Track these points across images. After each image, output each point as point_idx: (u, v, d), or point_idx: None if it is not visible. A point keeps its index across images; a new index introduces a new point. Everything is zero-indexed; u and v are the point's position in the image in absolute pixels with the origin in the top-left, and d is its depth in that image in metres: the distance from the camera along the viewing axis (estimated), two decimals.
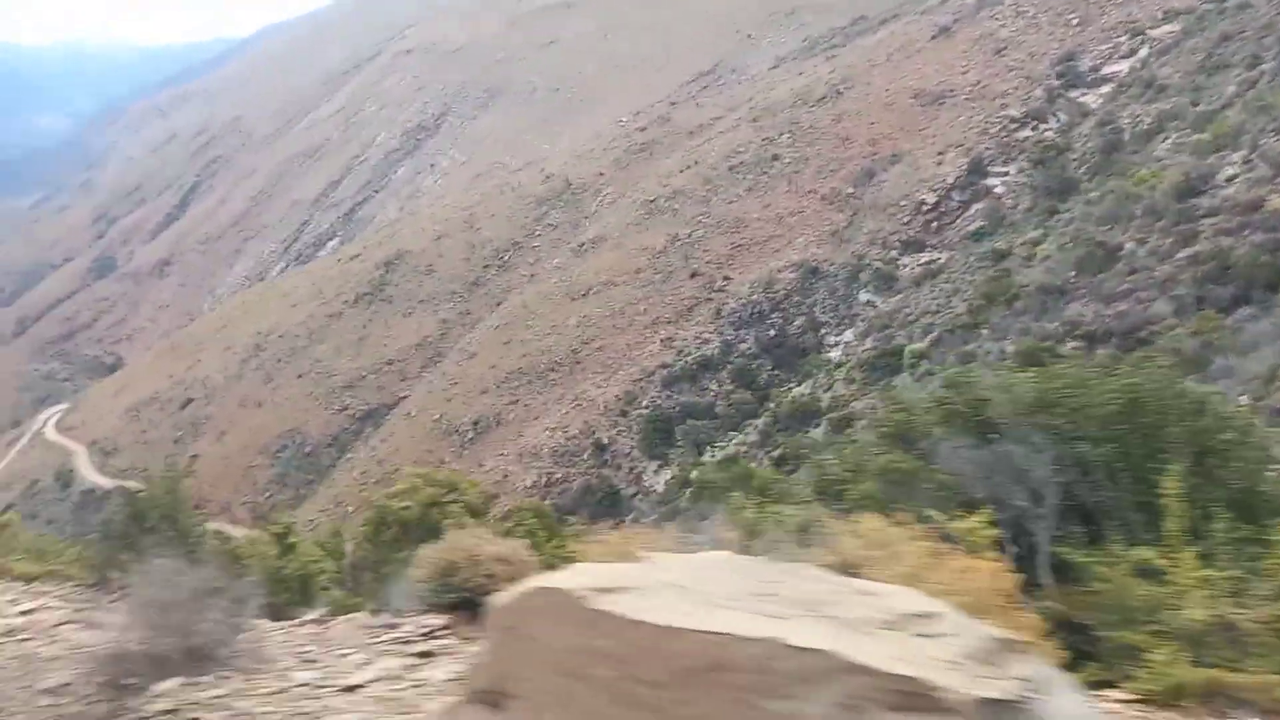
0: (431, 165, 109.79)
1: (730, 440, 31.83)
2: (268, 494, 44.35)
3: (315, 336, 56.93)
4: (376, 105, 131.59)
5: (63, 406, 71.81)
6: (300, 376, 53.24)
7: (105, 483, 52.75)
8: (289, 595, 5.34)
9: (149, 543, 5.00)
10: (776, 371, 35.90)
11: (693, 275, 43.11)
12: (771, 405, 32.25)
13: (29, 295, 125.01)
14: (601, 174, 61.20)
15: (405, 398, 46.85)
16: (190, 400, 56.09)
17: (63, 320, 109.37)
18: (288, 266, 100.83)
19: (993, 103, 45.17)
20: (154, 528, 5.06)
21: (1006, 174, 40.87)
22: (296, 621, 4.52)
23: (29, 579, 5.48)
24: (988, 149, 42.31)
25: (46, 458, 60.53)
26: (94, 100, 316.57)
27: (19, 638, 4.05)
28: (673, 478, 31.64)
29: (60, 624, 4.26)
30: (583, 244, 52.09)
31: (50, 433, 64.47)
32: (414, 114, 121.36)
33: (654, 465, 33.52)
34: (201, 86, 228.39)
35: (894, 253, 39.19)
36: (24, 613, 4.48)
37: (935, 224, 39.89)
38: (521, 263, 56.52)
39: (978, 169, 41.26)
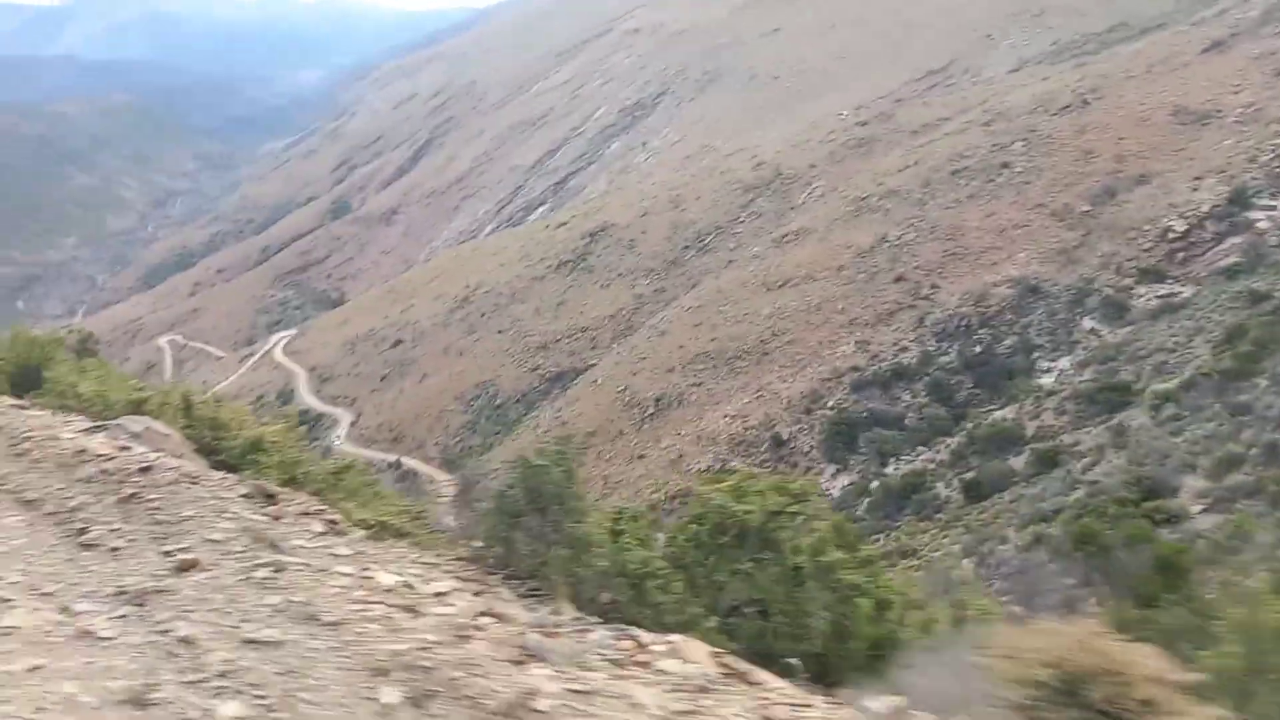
0: (644, 143, 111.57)
1: (918, 455, 30.40)
2: (458, 439, 46.96)
3: (517, 296, 59.52)
4: (600, 81, 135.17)
5: (291, 332, 79.10)
6: (500, 332, 55.90)
7: (319, 406, 57.75)
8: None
9: (537, 524, 4.44)
10: (977, 390, 33.90)
11: (898, 279, 41.39)
12: (968, 425, 30.49)
13: (275, 228, 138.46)
14: (813, 166, 59.95)
15: (593, 365, 48.11)
16: (400, 341, 60.20)
17: (300, 253, 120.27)
18: (498, 227, 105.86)
19: (1266, 128, 40.34)
20: (544, 508, 4.59)
21: (1274, 208, 36.43)
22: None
23: (368, 529, 4.93)
24: (1254, 178, 37.85)
25: (272, 376, 67.00)
26: (350, 58, 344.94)
27: (463, 635, 3.03)
28: (851, 484, 30.64)
29: (482, 615, 3.35)
30: (785, 235, 51.27)
31: (278, 354, 71.22)
32: (633, 92, 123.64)
33: (833, 469, 32.58)
34: (445, 50, 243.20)
35: (1129, 280, 35.90)
36: (437, 595, 3.49)
37: (1181, 255, 36.19)
38: (721, 247, 56.45)
39: (1240, 199, 36.98)
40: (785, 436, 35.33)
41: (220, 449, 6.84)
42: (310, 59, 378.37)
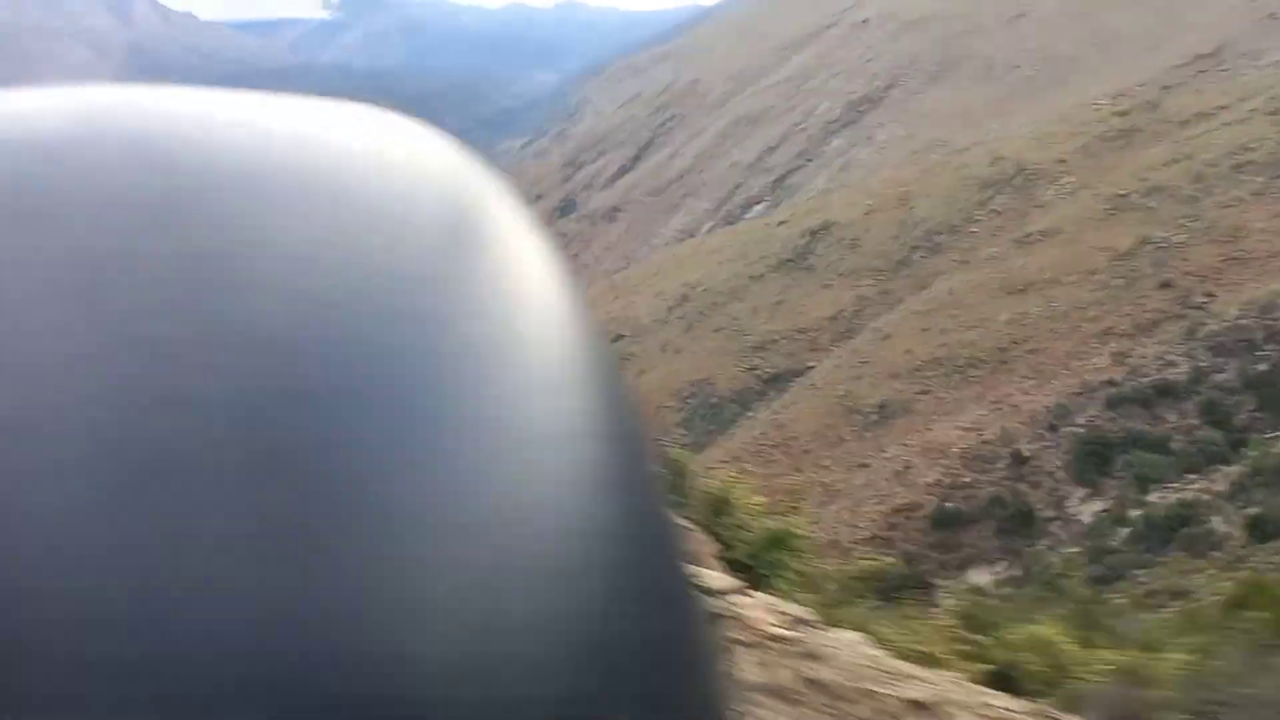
0: (869, 138, 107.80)
1: (1187, 483, 26.95)
2: (672, 436, 47.34)
3: (735, 295, 59.19)
4: (825, 75, 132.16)
5: None
6: (717, 331, 55.82)
7: None
8: None
9: None
10: (1260, 414, 29.62)
11: (1163, 285, 37.10)
12: (1251, 453, 26.66)
13: None
14: (1063, 161, 55.09)
15: (812, 368, 46.87)
16: (620, 336, 61.65)
17: None
18: (716, 225, 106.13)
19: None
20: None
21: None
22: None
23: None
24: None
25: None
26: (581, 59, 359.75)
27: None
28: (1104, 511, 27.69)
29: None
30: (1029, 235, 47.50)
31: None
32: (860, 85, 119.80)
33: (1082, 493, 29.62)
34: (671, 49, 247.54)
35: None
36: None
37: None
38: (954, 248, 53.24)
39: None
40: (1026, 454, 32.60)
41: (730, 542, 5.09)
42: (549, 61, 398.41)
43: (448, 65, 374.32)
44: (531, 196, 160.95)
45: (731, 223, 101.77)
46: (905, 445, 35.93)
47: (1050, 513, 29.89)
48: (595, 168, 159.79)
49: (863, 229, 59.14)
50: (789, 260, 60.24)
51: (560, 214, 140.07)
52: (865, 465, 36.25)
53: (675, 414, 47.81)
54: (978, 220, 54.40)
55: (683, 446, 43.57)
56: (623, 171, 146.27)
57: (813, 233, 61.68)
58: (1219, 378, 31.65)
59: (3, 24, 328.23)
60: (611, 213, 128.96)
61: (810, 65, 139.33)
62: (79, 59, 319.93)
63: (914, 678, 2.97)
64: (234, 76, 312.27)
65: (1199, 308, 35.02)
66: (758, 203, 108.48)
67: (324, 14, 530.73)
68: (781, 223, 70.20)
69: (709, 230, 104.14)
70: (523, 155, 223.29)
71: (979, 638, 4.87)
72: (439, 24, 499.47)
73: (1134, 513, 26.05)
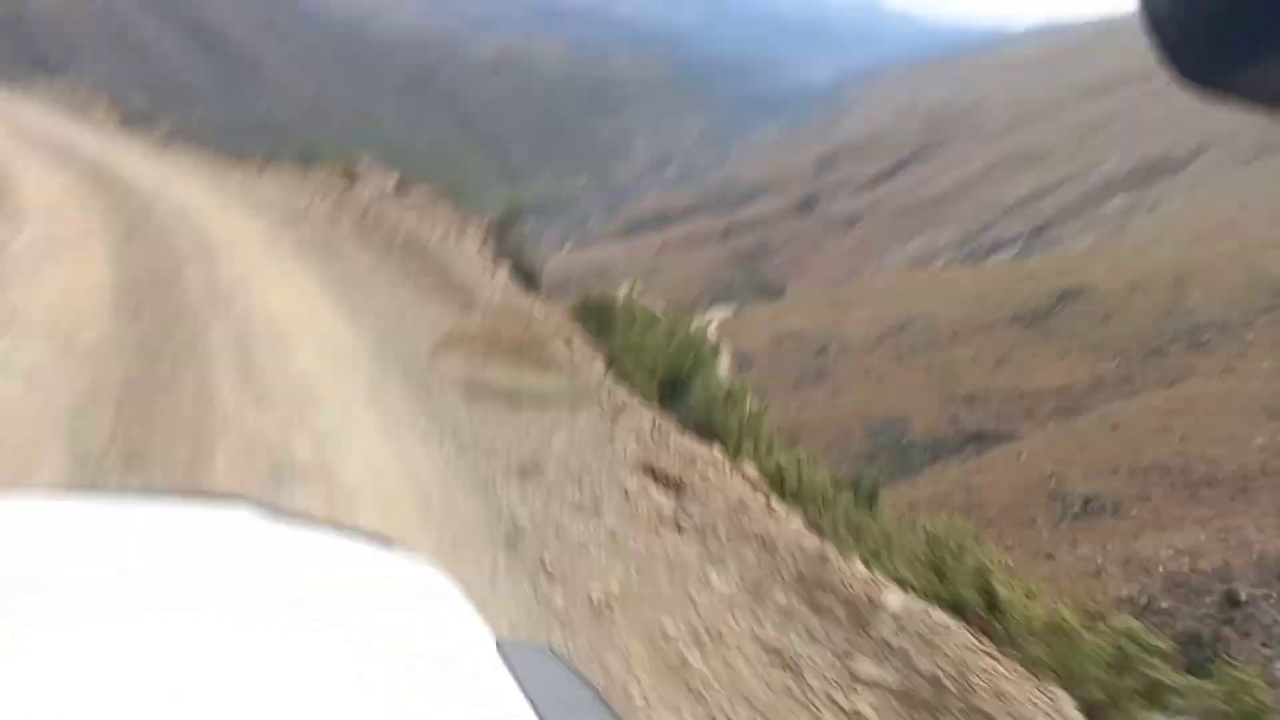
0: (1153, 207, 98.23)
1: None
2: (853, 466, 45.59)
3: (958, 339, 55.91)
4: (1121, 127, 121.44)
5: (728, 311, 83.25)
6: (927, 370, 53.01)
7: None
8: None
9: None
10: None
11: None
12: None
13: (744, 209, 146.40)
14: None
15: (1020, 437, 43.47)
16: (824, 349, 60.05)
17: (758, 240, 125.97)
18: (956, 260, 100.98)
19: None
20: None
21: None
22: None
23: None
24: None
25: None
26: (866, 57, 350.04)
27: None
28: None
29: None
30: None
31: (711, 328, 75.32)
32: (1160, 146, 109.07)
33: None
34: (958, 66, 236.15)
35: None
36: None
37: None
38: (1221, 350, 47.40)
39: None
40: (1243, 598, 28.59)
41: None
42: (832, 53, 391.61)
43: (736, 37, 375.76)
44: (775, 187, 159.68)
45: (974, 261, 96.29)
46: (1104, 549, 32.57)
47: (1256, 668, 26.07)
48: (847, 171, 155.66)
49: (1121, 303, 53.89)
50: (1028, 317, 56.06)
51: (798, 211, 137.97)
52: (1051, 557, 33.20)
53: (861, 444, 46.00)
54: (1258, 327, 48.01)
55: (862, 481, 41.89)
56: (875, 182, 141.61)
57: (1063, 294, 56.98)
58: None
59: None
60: (851, 220, 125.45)
61: (1108, 113, 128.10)
62: None
63: None
64: (539, 5, 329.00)
65: None
66: (1008, 247, 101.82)
67: None
68: (1030, 275, 65.41)
69: (946, 262, 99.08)
70: (778, 144, 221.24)
71: None
72: None
73: None
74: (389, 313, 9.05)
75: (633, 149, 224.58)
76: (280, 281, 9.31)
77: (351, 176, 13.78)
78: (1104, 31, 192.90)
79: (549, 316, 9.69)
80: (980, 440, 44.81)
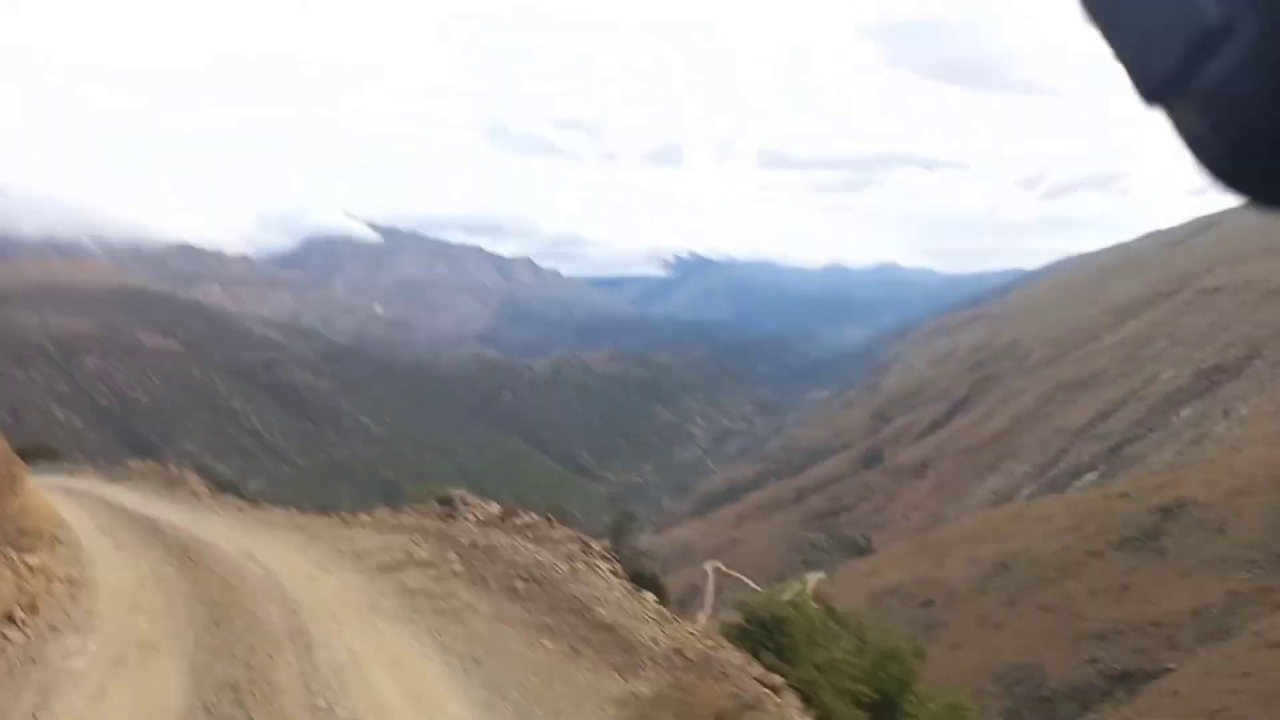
0: (1226, 411, 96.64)
1: None
2: None
3: (1068, 571, 53.31)
4: (1165, 342, 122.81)
5: (820, 575, 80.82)
6: (1045, 610, 50.08)
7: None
8: None
9: None
10: None
11: None
12: None
13: (812, 471, 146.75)
14: None
15: (1171, 670, 39.96)
16: (930, 602, 57.41)
17: (831, 498, 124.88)
18: (1038, 491, 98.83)
19: None
20: None
21: None
22: None
23: None
24: None
25: None
26: (895, 316, 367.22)
27: None
28: None
29: None
30: None
31: (808, 591, 72.78)
32: (1211, 354, 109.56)
33: None
34: (987, 310, 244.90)
35: None
36: None
37: None
38: None
39: None
40: None
41: None
42: (862, 318, 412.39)
43: (767, 319, 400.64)
44: (838, 446, 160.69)
45: (1057, 490, 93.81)
46: None
47: None
48: (904, 422, 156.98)
49: (1230, 512, 51.55)
50: (1135, 539, 53.59)
51: (864, 465, 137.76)
52: None
53: (999, 701, 42.50)
54: None
55: None
56: (934, 427, 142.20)
57: (1164, 510, 54.81)
58: None
59: (418, 279, 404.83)
60: (919, 468, 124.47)
61: (1147, 331, 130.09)
62: (467, 308, 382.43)
63: None
64: (585, 323, 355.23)
65: None
66: (1089, 470, 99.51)
67: (662, 273, 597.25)
68: (1123, 495, 63.29)
69: (1029, 495, 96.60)
70: (830, 405, 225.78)
71: None
72: (763, 283, 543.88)
73: None
74: (534, 687, 7.10)
75: (691, 432, 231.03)
76: (392, 661, 7.49)
77: (449, 508, 12.72)
78: (1118, 257, 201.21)
79: (735, 661, 8.06)
80: (1128, 680, 41.14)
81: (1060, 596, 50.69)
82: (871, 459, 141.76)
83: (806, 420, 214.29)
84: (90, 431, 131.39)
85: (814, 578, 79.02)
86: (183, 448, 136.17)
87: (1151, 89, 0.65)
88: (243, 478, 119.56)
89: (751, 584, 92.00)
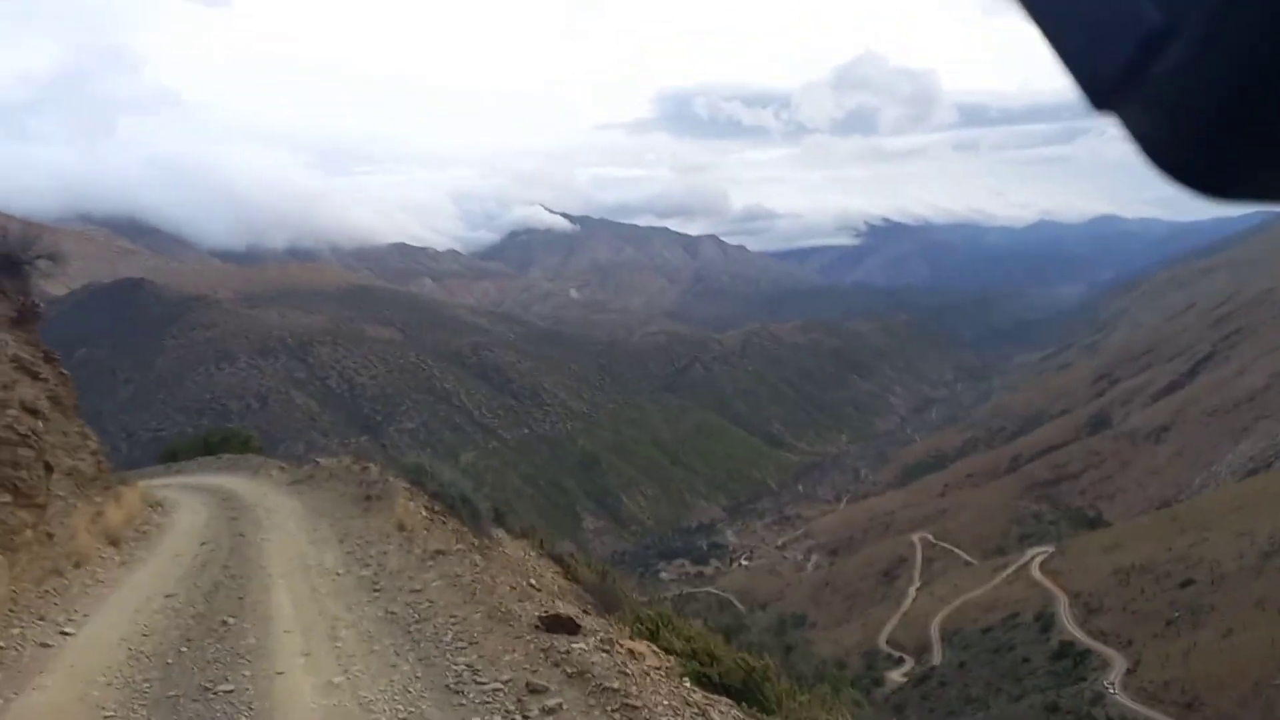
0: None
1: None
2: None
3: None
4: None
5: (1047, 548, 74.30)
6: None
7: (1084, 640, 51.53)
8: None
9: None
10: None
11: None
12: None
13: (1026, 438, 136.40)
14: None
15: None
16: (1191, 581, 50.92)
17: (1053, 466, 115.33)
18: None
19: None
20: None
21: None
22: None
23: None
24: None
25: (1027, 594, 62.89)
26: (1114, 271, 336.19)
27: None
28: None
29: None
30: None
31: (1034, 571, 66.99)
32: None
33: None
34: (1225, 259, 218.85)
35: None
36: None
37: None
38: None
39: None
40: None
41: None
42: (1073, 275, 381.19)
43: (967, 282, 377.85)
44: (1056, 410, 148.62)
45: None
46: None
47: None
48: (1135, 383, 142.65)
49: None
50: None
51: (1090, 431, 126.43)
52: None
53: None
54: None
55: None
56: (1173, 388, 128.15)
57: None
58: None
59: (609, 263, 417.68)
60: (1158, 432, 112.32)
61: None
62: (656, 287, 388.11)
63: None
64: (773, 296, 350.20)
65: None
66: None
67: (852, 241, 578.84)
68: None
69: None
70: (1043, 368, 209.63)
71: None
72: (964, 245, 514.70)
73: None
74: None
75: (889, 400, 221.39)
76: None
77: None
78: None
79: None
80: None
81: None
82: (1098, 424, 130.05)
83: (1016, 385, 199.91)
84: (326, 414, 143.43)
85: (1038, 552, 72.69)
86: (403, 426, 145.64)
87: (1099, 92, 0.68)
88: (454, 451, 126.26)
89: (965, 557, 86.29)
